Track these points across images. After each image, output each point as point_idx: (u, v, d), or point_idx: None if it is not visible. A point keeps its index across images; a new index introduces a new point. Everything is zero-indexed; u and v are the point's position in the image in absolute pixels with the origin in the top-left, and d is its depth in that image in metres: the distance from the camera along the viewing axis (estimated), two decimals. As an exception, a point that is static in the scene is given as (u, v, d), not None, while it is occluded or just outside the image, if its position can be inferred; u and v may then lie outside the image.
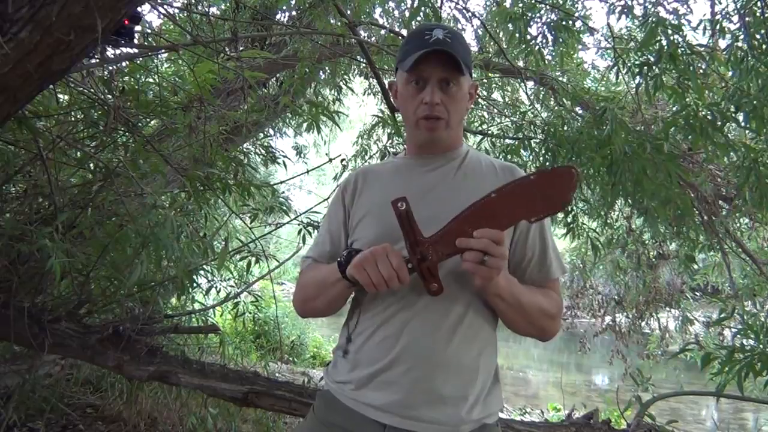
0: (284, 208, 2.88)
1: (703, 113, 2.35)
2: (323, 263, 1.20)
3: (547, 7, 2.97)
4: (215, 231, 2.67)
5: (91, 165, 2.25)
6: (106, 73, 2.11)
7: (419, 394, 1.01)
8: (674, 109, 2.65)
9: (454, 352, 1.03)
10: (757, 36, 2.44)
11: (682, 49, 2.41)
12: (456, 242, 0.95)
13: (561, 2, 3.11)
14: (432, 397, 1.01)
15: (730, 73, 2.80)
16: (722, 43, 2.75)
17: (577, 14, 3.29)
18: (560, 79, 3.72)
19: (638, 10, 2.76)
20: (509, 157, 3.05)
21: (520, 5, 3.01)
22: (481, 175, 1.15)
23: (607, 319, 5.36)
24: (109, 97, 2.05)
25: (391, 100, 2.51)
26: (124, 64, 2.25)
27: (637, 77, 2.59)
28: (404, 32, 3.19)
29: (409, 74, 1.11)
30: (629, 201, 2.83)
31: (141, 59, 2.30)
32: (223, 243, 2.49)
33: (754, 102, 2.33)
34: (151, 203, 1.99)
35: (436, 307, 1.04)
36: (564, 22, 2.89)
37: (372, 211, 1.14)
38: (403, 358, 1.03)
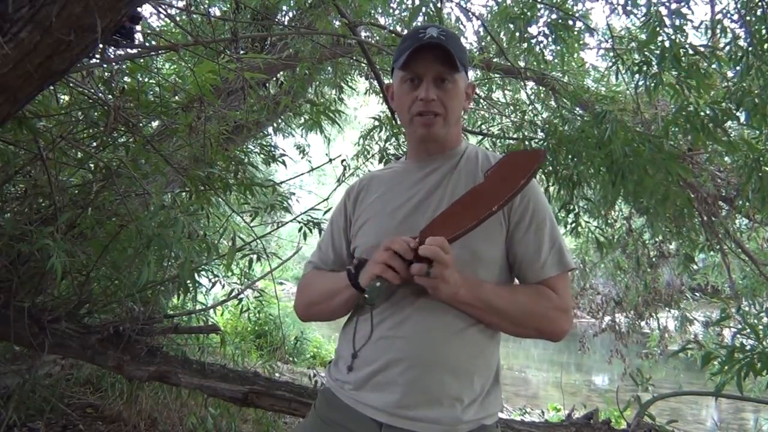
0: (285, 205, 2.89)
1: (704, 113, 2.35)
2: (325, 269, 1.23)
3: (548, 7, 2.97)
4: (220, 231, 2.67)
5: (92, 165, 2.25)
6: (106, 73, 2.11)
7: (416, 395, 1.02)
8: (674, 108, 2.65)
9: (449, 352, 1.03)
10: (757, 36, 2.43)
11: (684, 49, 2.40)
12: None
13: (561, 2, 3.10)
14: (428, 397, 1.02)
15: (730, 73, 2.80)
16: (722, 43, 2.75)
17: (577, 14, 3.29)
18: (561, 79, 3.71)
19: (639, 11, 2.75)
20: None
21: (520, 4, 3.01)
22: (475, 173, 1.14)
23: (607, 319, 5.35)
24: (109, 97, 2.04)
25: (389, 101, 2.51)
26: (124, 64, 2.25)
27: (637, 76, 2.58)
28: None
29: (404, 72, 1.10)
30: (630, 200, 2.82)
31: (141, 59, 2.30)
32: (230, 242, 2.49)
33: (756, 100, 2.32)
34: (159, 204, 1.98)
35: (431, 309, 1.04)
36: (563, 22, 2.88)
37: (372, 217, 1.16)
38: (399, 359, 1.03)
